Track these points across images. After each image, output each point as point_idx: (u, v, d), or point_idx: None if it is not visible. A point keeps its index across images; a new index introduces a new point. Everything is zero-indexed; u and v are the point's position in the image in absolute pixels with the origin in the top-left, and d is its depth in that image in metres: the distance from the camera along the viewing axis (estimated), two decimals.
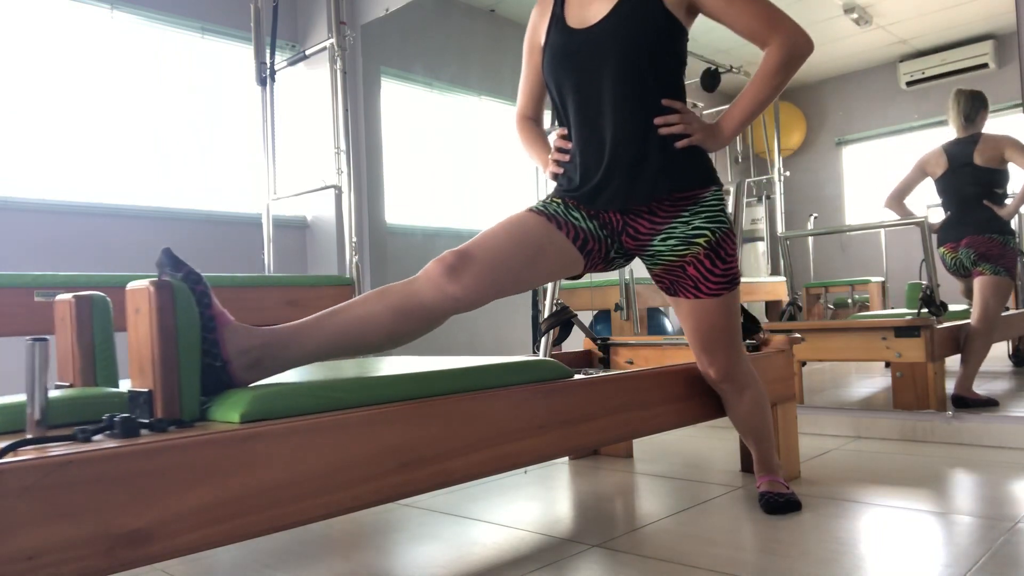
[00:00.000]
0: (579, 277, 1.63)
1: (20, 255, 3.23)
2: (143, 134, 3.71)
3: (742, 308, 1.87)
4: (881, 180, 3.55)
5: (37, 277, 2.08)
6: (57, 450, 0.84)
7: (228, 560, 1.49)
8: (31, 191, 3.34)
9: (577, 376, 1.47)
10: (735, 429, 1.90)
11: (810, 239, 3.85)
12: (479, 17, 4.39)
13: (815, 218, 3.85)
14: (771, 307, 3.72)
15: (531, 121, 1.74)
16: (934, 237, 2.94)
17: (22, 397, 1.11)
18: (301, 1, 4.30)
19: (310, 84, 4.21)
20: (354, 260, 3.03)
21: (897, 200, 3.08)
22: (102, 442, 0.89)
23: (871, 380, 3.66)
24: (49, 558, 0.79)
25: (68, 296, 1.22)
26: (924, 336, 2.54)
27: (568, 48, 1.52)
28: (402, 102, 4.28)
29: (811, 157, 3.94)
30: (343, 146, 3.14)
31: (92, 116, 3.55)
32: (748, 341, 2.01)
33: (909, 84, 3.52)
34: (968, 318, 2.81)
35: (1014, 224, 2.82)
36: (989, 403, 2.62)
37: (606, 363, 2.45)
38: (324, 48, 3.22)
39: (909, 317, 2.71)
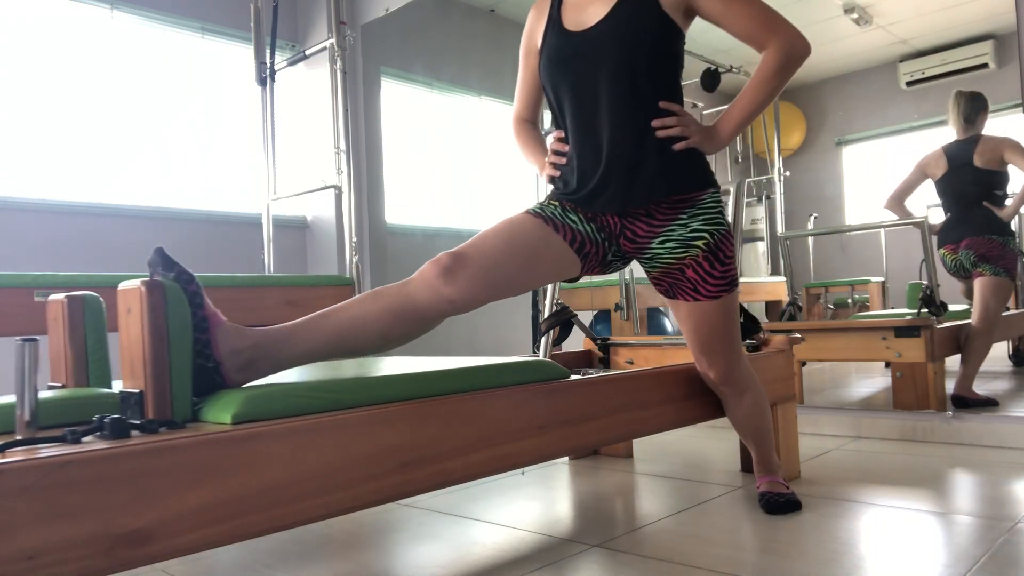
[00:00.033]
0: (576, 280, 1.63)
1: (20, 255, 3.23)
2: (143, 134, 3.71)
3: (742, 308, 1.87)
4: (881, 180, 3.55)
5: (37, 277, 2.08)
6: (57, 450, 0.84)
7: (228, 560, 1.49)
8: (31, 191, 3.34)
9: (573, 376, 1.47)
10: (734, 430, 1.90)
11: (810, 239, 3.85)
12: (479, 17, 4.39)
13: (815, 218, 3.85)
14: (771, 307, 3.72)
15: (528, 124, 1.73)
16: (934, 238, 2.94)
17: (14, 398, 1.11)
18: (301, 1, 4.30)
19: (310, 84, 4.21)
20: (354, 260, 3.03)
21: (897, 202, 3.08)
22: (93, 443, 0.88)
23: (871, 380, 3.66)
24: (49, 558, 0.79)
25: (60, 296, 1.22)
26: (924, 336, 2.54)
27: (565, 51, 1.52)
28: (402, 102, 4.28)
29: (811, 157, 3.94)
30: (343, 146, 3.14)
31: (92, 116, 3.55)
32: (748, 341, 2.01)
33: (909, 84, 3.52)
34: (968, 318, 2.81)
35: (1014, 225, 2.82)
36: (989, 403, 2.63)
37: (606, 363, 2.45)
38: (324, 48, 3.22)
39: (909, 317, 2.71)
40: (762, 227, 3.93)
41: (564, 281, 1.61)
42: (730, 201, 2.10)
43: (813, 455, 2.27)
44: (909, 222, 3.07)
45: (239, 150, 4.07)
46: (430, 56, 4.37)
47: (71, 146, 3.48)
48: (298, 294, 2.57)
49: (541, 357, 2.14)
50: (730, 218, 2.07)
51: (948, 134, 2.92)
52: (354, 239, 3.05)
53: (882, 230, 3.58)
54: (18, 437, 0.91)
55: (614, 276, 3.51)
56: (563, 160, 1.58)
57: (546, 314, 2.19)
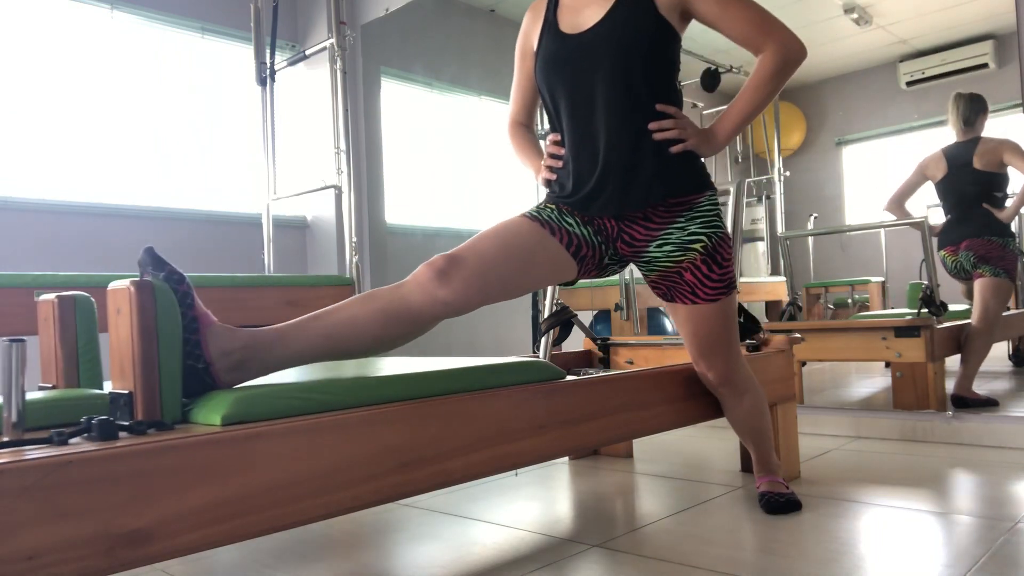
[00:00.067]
0: (573, 283, 1.62)
1: (20, 255, 3.23)
2: (143, 134, 3.71)
3: (742, 308, 1.87)
4: (881, 180, 3.55)
5: (37, 277, 2.08)
6: (57, 450, 0.84)
7: (228, 560, 1.49)
8: (31, 191, 3.34)
9: (569, 377, 1.47)
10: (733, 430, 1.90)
11: (810, 239, 3.85)
12: (479, 17, 4.39)
13: (815, 218, 3.85)
14: (771, 307, 3.72)
15: (523, 127, 1.73)
16: (934, 238, 2.94)
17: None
18: (301, 1, 4.30)
19: (310, 84, 4.21)
20: (354, 260, 3.03)
21: (898, 204, 3.08)
22: (80, 444, 0.88)
23: (871, 380, 3.66)
24: (49, 558, 0.79)
25: (51, 296, 1.21)
26: (924, 336, 2.54)
27: (561, 54, 1.52)
28: (402, 102, 4.28)
29: (811, 157, 3.94)
30: (343, 146, 3.14)
31: (92, 116, 3.55)
32: (748, 341, 2.01)
33: (909, 84, 3.52)
34: (968, 318, 2.81)
35: (1014, 226, 2.82)
36: (989, 403, 2.63)
37: (606, 363, 2.45)
38: (324, 48, 3.22)
39: (909, 317, 2.71)
40: (762, 227, 3.93)
41: (561, 284, 1.60)
42: (730, 201, 2.10)
43: (813, 455, 2.27)
44: (909, 222, 3.07)
45: (239, 150, 4.07)
46: (430, 56, 4.37)
47: (71, 146, 3.48)
48: (298, 294, 2.57)
49: (541, 357, 2.14)
50: (730, 218, 2.07)
51: (948, 134, 2.92)
52: (354, 239, 3.05)
53: (882, 230, 3.58)
54: (4, 439, 0.90)
55: (614, 276, 3.51)
56: (559, 163, 1.58)
57: (546, 314, 2.19)
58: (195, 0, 3.90)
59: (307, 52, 3.35)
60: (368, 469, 1.08)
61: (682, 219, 1.53)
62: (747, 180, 4.06)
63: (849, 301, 3.71)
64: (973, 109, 2.84)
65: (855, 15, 3.58)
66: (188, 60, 3.91)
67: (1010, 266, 2.78)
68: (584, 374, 1.77)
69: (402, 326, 1.28)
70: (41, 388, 1.19)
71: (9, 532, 0.77)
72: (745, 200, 3.93)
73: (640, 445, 2.53)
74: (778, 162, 3.94)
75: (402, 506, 1.86)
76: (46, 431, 1.00)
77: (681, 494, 1.87)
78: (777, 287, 3.70)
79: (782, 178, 3.94)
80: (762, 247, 3.91)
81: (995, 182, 2.80)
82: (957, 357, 2.74)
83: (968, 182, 2.83)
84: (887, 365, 3.78)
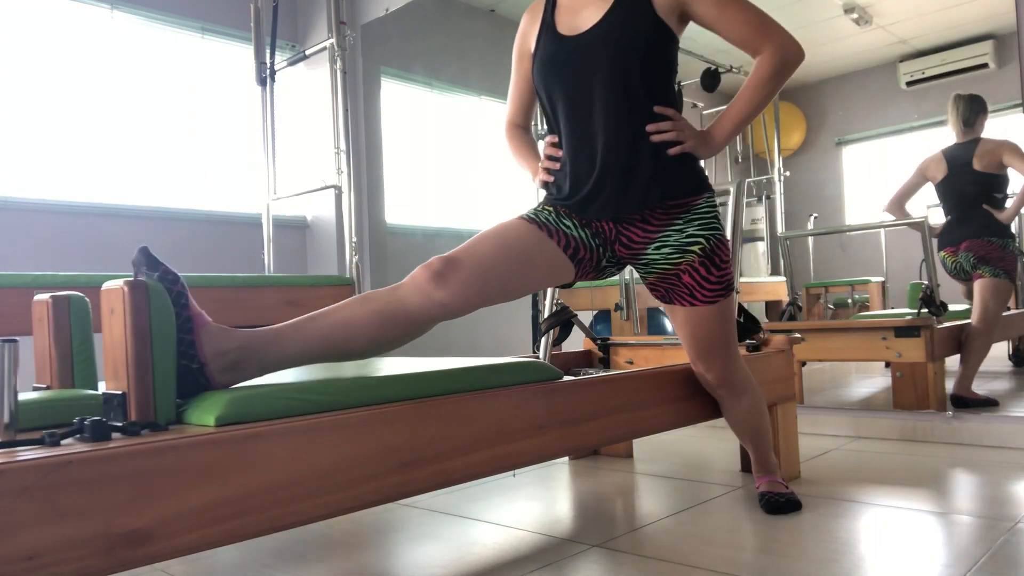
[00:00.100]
0: (570, 285, 1.62)
1: (20, 255, 3.23)
2: (143, 134, 3.72)
3: (741, 308, 1.87)
4: (881, 180, 3.55)
5: (37, 277, 2.08)
6: (57, 450, 0.84)
7: (228, 560, 1.49)
8: (31, 191, 3.34)
9: (568, 377, 1.47)
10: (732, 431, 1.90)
11: (810, 239, 3.85)
12: (479, 17, 4.39)
13: (815, 218, 3.85)
14: (771, 307, 3.72)
15: (520, 129, 1.72)
16: (934, 239, 2.95)
17: None
18: (301, 1, 4.30)
19: (310, 84, 4.21)
20: (354, 260, 3.03)
21: (898, 205, 3.08)
22: (73, 445, 0.87)
23: (871, 380, 3.66)
24: (49, 558, 0.79)
25: (45, 296, 1.21)
26: (924, 336, 2.54)
27: (558, 55, 1.51)
28: (402, 102, 4.28)
29: (811, 157, 3.94)
30: (343, 146, 3.14)
31: (92, 116, 3.55)
32: (748, 341, 2.01)
33: (909, 84, 3.52)
34: (968, 318, 2.81)
35: (1013, 227, 2.82)
36: (989, 403, 2.63)
37: (606, 363, 2.45)
38: (324, 48, 3.22)
39: (909, 317, 2.71)
40: (762, 227, 3.93)
41: (557, 287, 1.60)
42: (730, 201, 2.10)
43: (813, 455, 2.27)
44: (909, 223, 3.07)
45: (239, 150, 4.07)
46: (430, 56, 4.37)
47: (71, 146, 3.48)
48: (298, 294, 2.57)
49: (541, 357, 2.14)
50: (730, 218, 2.07)
51: (948, 134, 2.92)
52: (354, 239, 3.05)
53: (882, 230, 3.58)
54: None
55: (614, 277, 3.51)
56: (556, 165, 1.57)
57: (546, 314, 2.19)
58: (195, 0, 3.90)
59: (307, 52, 3.35)
60: (368, 469, 1.08)
61: (680, 221, 1.52)
62: (747, 180, 4.07)
63: (849, 301, 3.71)
64: (973, 110, 2.84)
65: (855, 15, 3.58)
66: (188, 60, 3.92)
67: (1010, 267, 2.78)
68: (584, 374, 1.78)
69: (399, 328, 1.27)
70: (35, 389, 1.18)
71: (9, 532, 0.77)
72: (745, 200, 3.93)
73: (640, 445, 2.53)
74: (778, 162, 3.94)
75: (402, 506, 1.86)
76: (39, 432, 0.99)
77: (681, 494, 1.87)
78: (777, 287, 3.70)
79: (782, 178, 3.94)
80: (762, 247, 3.91)
81: (995, 183, 2.80)
82: (957, 357, 2.74)
83: (968, 183, 2.84)
84: (887, 365, 3.78)
